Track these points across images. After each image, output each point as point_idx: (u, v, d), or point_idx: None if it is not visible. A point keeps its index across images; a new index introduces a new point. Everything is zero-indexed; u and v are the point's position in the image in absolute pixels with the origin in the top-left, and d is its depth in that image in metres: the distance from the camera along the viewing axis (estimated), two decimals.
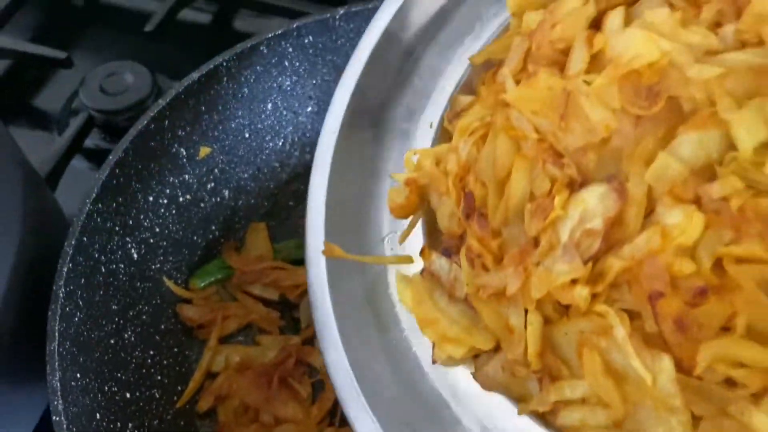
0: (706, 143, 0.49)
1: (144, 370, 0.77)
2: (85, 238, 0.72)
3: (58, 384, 0.62)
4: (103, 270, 0.74)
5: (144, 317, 0.80)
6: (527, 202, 0.53)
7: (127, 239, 0.79)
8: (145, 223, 0.82)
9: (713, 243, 0.46)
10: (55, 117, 1.16)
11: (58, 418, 0.60)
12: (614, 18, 0.56)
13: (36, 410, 0.75)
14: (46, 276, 0.70)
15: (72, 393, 0.64)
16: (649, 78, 0.50)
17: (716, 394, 0.46)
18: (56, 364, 0.63)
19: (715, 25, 0.53)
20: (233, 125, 0.91)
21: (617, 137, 0.51)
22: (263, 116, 0.94)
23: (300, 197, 0.99)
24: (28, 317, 0.69)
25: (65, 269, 0.68)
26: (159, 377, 0.79)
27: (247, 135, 0.94)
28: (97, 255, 0.74)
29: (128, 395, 0.73)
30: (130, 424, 0.71)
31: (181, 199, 0.87)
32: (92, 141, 1.14)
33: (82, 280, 0.71)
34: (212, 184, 0.92)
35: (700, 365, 0.45)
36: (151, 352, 0.79)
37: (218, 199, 0.93)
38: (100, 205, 0.74)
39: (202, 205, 0.90)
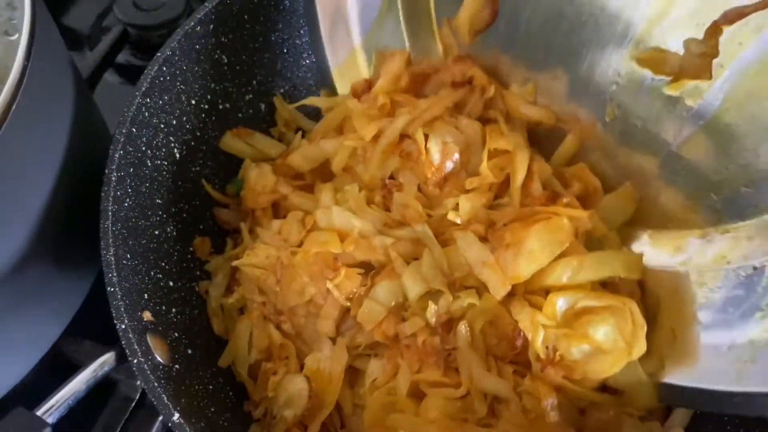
0: (393, 290, 0.70)
1: (185, 264, 0.80)
2: (134, 129, 0.73)
3: (113, 258, 0.64)
4: (149, 164, 0.76)
5: (185, 215, 0.82)
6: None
7: (171, 138, 0.80)
8: (188, 126, 0.83)
9: (407, 373, 0.67)
10: (85, 34, 1.17)
11: (113, 289, 0.63)
12: (325, 194, 0.78)
13: (80, 295, 0.78)
14: (93, 168, 0.71)
15: (124, 270, 0.66)
16: (345, 246, 0.71)
17: None
18: (110, 240, 0.65)
19: (384, 206, 0.76)
20: (273, 38, 0.92)
21: (317, 298, 0.72)
22: (302, 32, 0.94)
23: None
24: (81, 200, 0.71)
25: (117, 155, 0.70)
26: (198, 272, 0.81)
27: (285, 50, 0.95)
28: (144, 148, 0.75)
29: (171, 284, 0.75)
30: (173, 310, 0.73)
31: (220, 106, 0.89)
32: (124, 57, 1.15)
33: (131, 169, 0.73)
34: (250, 96, 0.93)
35: None
36: (191, 249, 0.82)
37: (254, 111, 0.94)
38: (148, 99, 0.76)
39: (239, 115, 0.92)
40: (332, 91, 0.97)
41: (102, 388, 0.80)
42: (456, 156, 0.76)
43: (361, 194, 0.77)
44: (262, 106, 0.95)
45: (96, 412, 0.78)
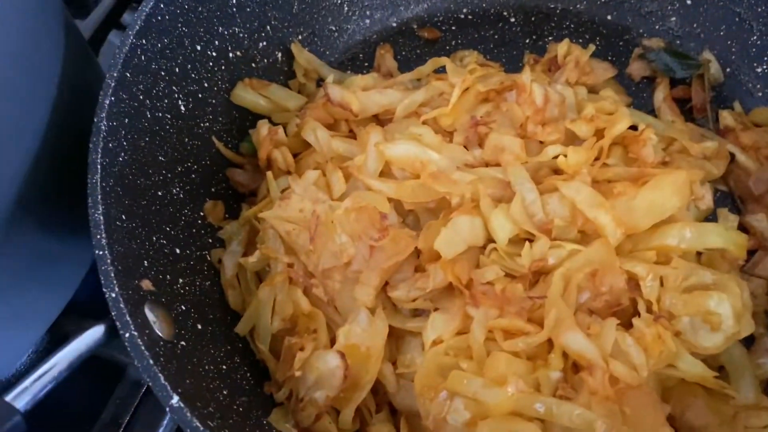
0: (474, 228, 0.62)
1: (194, 230, 0.70)
2: (128, 74, 0.64)
3: (101, 218, 0.55)
4: (149, 115, 0.67)
5: (193, 176, 0.72)
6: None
7: (174, 88, 0.71)
8: (193, 75, 0.73)
9: (483, 320, 0.58)
10: None
11: (101, 252, 0.53)
12: (375, 135, 0.68)
13: (80, 267, 0.69)
14: (86, 128, 0.62)
15: (117, 232, 0.57)
16: (423, 179, 0.63)
17: None
18: (98, 197, 0.56)
19: (464, 148, 0.69)
20: None
21: (356, 262, 0.61)
22: None
23: (359, 67, 0.90)
24: (69, 159, 0.62)
25: (107, 102, 0.60)
26: (210, 240, 0.72)
27: None
28: (141, 97, 0.66)
29: (178, 251, 0.66)
30: (180, 280, 0.64)
31: (231, 54, 0.78)
32: (131, 17, 1.06)
33: (126, 120, 0.63)
34: (264, 43, 0.83)
35: None
36: (201, 214, 0.72)
37: (270, 60, 0.84)
38: (143, 41, 0.66)
39: (253, 65, 0.82)
40: None
41: (111, 372, 0.72)
42: (556, 100, 0.71)
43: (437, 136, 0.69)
44: (279, 54, 0.85)
45: (105, 398, 0.70)
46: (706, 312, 0.59)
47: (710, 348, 0.59)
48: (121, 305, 0.51)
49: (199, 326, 0.62)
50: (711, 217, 0.72)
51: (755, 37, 0.80)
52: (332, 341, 0.62)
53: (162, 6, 0.68)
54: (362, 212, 0.62)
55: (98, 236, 0.54)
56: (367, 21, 0.91)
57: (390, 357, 0.61)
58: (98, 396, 0.71)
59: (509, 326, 0.57)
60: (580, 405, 0.54)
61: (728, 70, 0.83)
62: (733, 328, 0.59)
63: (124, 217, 0.59)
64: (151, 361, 0.49)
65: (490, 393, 0.54)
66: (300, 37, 0.86)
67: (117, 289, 0.52)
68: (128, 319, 0.51)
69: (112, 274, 0.52)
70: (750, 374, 0.61)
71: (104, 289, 0.52)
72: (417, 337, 0.61)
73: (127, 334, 0.50)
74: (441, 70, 0.79)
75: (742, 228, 0.72)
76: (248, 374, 0.64)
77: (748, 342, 0.65)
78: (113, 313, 0.51)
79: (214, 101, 0.77)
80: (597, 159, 0.67)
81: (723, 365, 0.62)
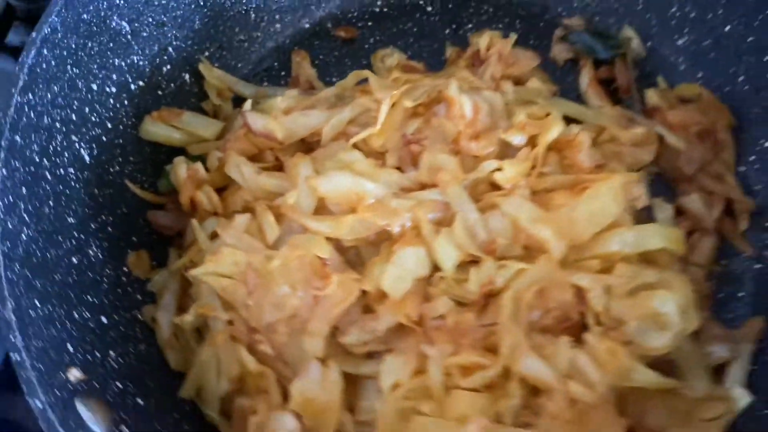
0: (419, 258, 0.59)
1: (120, 290, 0.65)
2: (18, 138, 0.57)
3: (12, 315, 0.50)
4: (49, 176, 0.60)
5: (110, 229, 0.67)
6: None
7: (74, 138, 0.64)
8: (93, 118, 0.67)
9: (439, 359, 0.56)
10: None
11: (18, 356, 0.48)
12: (304, 167, 0.64)
13: None
14: None
15: (32, 325, 0.52)
16: (360, 211, 0.60)
17: None
18: (5, 291, 0.50)
19: (397, 169, 0.66)
20: None
21: (301, 312, 0.58)
22: None
23: (275, 78, 0.84)
24: None
25: None
26: (140, 296, 0.67)
27: (201, 2, 0.77)
28: (37, 159, 0.59)
29: (104, 320, 0.61)
30: (112, 353, 0.59)
31: (132, 86, 0.72)
32: (18, 37, 0.96)
33: (24, 189, 0.57)
34: (168, 67, 0.76)
35: None
36: (125, 269, 0.67)
37: (177, 84, 0.77)
38: (30, 96, 0.59)
39: (159, 93, 0.75)
40: None
41: None
42: (486, 110, 0.67)
43: (368, 160, 0.66)
44: (186, 76, 0.78)
45: None
46: (653, 313, 0.59)
47: (660, 348, 0.60)
48: (49, 416, 0.47)
49: (140, 401, 0.58)
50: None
51: (674, 8, 0.79)
52: (285, 395, 0.59)
53: (45, 53, 0.61)
54: (301, 259, 0.59)
55: (11, 337, 0.49)
56: (278, 26, 0.85)
57: (348, 405, 0.59)
58: None
59: (466, 362, 0.56)
60: (542, 431, 0.54)
61: (649, 44, 0.82)
62: (679, 325, 0.60)
63: (37, 303, 0.54)
64: None
65: None
66: (207, 53, 0.80)
67: (43, 398, 0.47)
68: (60, 429, 0.46)
69: (34, 381, 0.48)
70: (699, 366, 0.62)
71: (28, 398, 0.47)
72: (374, 380, 0.59)
73: None
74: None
75: (678, 212, 0.72)
76: None
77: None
78: (43, 426, 0.46)
79: (121, 141, 0.71)
80: (533, 167, 0.65)
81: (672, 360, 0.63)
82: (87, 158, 0.66)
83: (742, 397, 0.61)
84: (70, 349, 0.55)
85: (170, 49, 0.76)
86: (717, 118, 0.75)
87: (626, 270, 0.60)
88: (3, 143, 0.55)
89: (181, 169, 0.69)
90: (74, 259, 0.61)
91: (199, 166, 0.69)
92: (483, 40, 0.79)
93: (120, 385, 0.57)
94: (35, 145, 0.59)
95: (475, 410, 0.54)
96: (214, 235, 0.66)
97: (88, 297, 0.61)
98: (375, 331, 0.58)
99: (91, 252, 0.63)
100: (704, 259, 0.69)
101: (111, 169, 0.69)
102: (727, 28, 0.74)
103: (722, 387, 0.63)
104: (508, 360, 0.56)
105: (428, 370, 0.56)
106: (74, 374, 0.53)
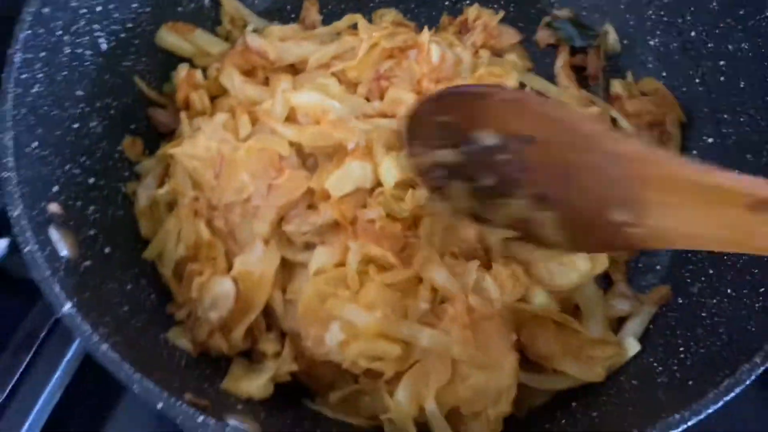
0: (365, 172, 0.67)
1: (111, 163, 0.75)
2: (46, 10, 0.67)
3: (11, 143, 0.59)
4: (67, 50, 0.70)
5: (113, 112, 0.76)
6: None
7: (95, 26, 0.74)
8: (115, 14, 0.77)
9: (358, 251, 0.64)
10: None
11: (8, 174, 0.58)
12: (285, 83, 0.74)
13: None
14: None
15: (27, 157, 0.61)
16: (322, 125, 0.69)
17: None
18: (9, 123, 0.60)
19: (366, 99, 0.76)
20: None
21: (255, 198, 0.67)
22: None
23: (285, 18, 0.93)
24: None
25: (23, 35, 0.64)
26: (127, 174, 0.76)
27: None
28: (59, 32, 0.69)
29: (91, 180, 0.70)
30: (91, 207, 0.69)
31: None
32: None
33: (43, 53, 0.67)
34: None
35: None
36: (119, 149, 0.77)
37: (195, 5, 0.87)
38: None
39: (179, 9, 0.85)
40: None
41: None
42: (452, 61, 0.76)
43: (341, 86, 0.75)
44: (205, 0, 0.88)
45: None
46: (561, 257, 0.66)
47: (564, 285, 0.66)
48: (23, 222, 0.56)
49: (107, 250, 0.67)
50: None
51: (650, 12, 0.87)
52: (230, 268, 0.68)
53: None
54: (263, 153, 0.68)
55: (5, 159, 0.59)
56: None
57: (282, 285, 0.67)
58: (10, 319, 0.74)
59: (380, 257, 0.64)
60: (441, 331, 0.62)
61: (625, 42, 0.89)
62: (586, 265, 0.66)
63: (36, 144, 0.63)
64: (48, 272, 0.54)
65: (361, 316, 0.61)
66: None
67: (21, 208, 0.57)
68: (29, 234, 0.56)
69: (17, 195, 0.57)
70: (600, 312, 0.69)
71: (8, 207, 0.57)
72: (306, 268, 0.67)
73: (26, 248, 0.55)
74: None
75: None
76: (152, 296, 0.70)
77: (607, 286, 0.74)
78: (14, 229, 0.56)
79: (137, 42, 0.80)
80: None
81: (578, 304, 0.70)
82: (104, 46, 0.75)
83: (632, 347, 0.68)
84: (56, 189, 0.64)
85: None
86: (668, 112, 0.82)
87: None
88: (32, 9, 0.65)
89: (182, 71, 0.79)
90: (75, 125, 0.70)
91: (197, 71, 0.79)
92: (472, 11, 0.87)
93: (92, 233, 0.67)
94: (60, 21, 0.69)
95: (383, 301, 0.62)
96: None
97: (81, 158, 0.70)
98: (314, 224, 0.66)
99: (91, 124, 0.73)
100: None
101: (123, 63, 0.79)
102: (693, 33, 0.81)
103: (617, 336, 0.70)
104: (421, 267, 0.64)
105: (347, 260, 0.64)
106: (54, 207, 0.62)
